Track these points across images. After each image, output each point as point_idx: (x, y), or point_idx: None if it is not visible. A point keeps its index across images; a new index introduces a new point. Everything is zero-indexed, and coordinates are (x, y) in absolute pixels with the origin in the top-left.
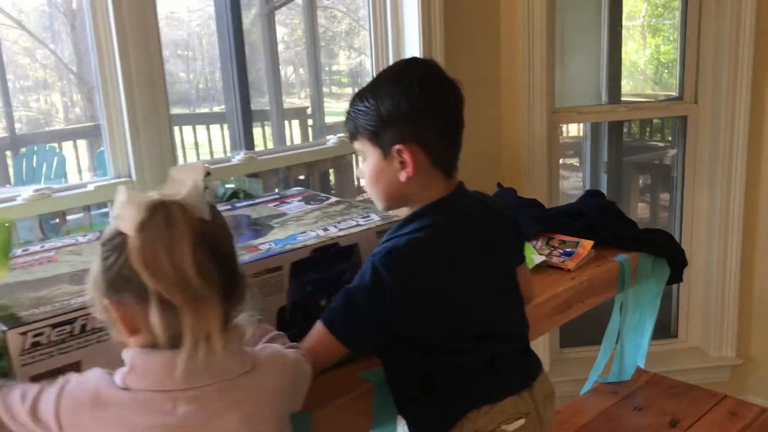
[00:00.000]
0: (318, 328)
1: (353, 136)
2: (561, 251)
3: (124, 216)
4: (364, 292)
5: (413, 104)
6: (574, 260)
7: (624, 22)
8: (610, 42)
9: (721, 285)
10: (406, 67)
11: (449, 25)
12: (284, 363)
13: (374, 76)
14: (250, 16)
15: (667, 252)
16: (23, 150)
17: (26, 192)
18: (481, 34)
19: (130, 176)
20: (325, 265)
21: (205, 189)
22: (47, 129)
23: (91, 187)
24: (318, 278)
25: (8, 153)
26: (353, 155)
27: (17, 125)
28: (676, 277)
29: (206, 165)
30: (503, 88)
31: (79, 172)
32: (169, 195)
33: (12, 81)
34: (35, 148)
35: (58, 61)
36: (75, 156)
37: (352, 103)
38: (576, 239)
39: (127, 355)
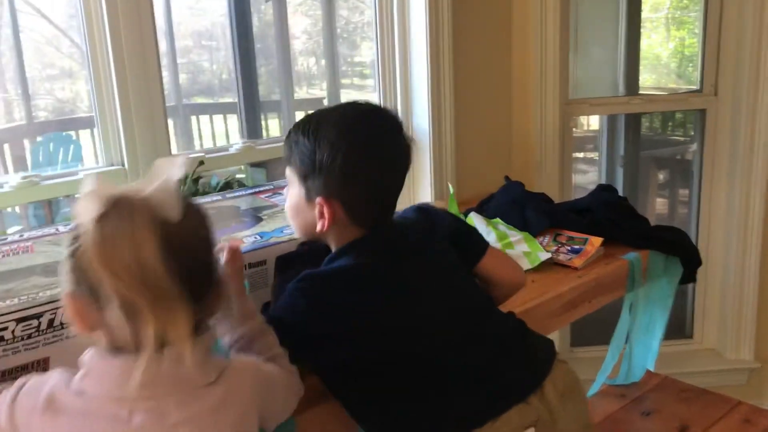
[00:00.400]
0: None
1: (287, 162)
2: (568, 248)
3: (82, 207)
4: (281, 313)
5: (349, 163)
6: (581, 258)
7: (647, 14)
8: (629, 32)
9: (739, 284)
10: (358, 118)
11: (458, 10)
12: (254, 374)
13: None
14: (270, 8)
15: (680, 250)
16: (39, 138)
17: (14, 179)
18: (491, 22)
19: (122, 165)
20: (312, 259)
21: (184, 183)
22: (64, 117)
23: (80, 175)
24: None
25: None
26: None
27: (43, 113)
28: (689, 277)
29: (189, 157)
30: (514, 77)
31: (96, 160)
32: (135, 190)
33: (39, 70)
34: (52, 136)
35: (82, 50)
36: (92, 144)
37: (294, 131)
38: (584, 236)
39: (86, 356)
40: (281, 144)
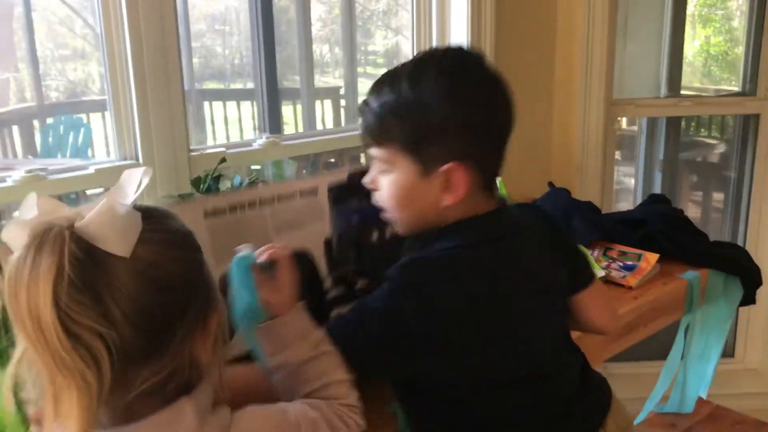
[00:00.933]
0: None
1: (375, 140)
2: (620, 264)
3: (8, 236)
4: (378, 309)
5: (476, 111)
6: (636, 276)
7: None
8: (674, 29)
9: None
10: (462, 62)
11: (501, 6)
12: (267, 425)
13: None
14: None
15: (741, 269)
16: (50, 120)
17: (18, 173)
18: (536, 15)
19: (136, 159)
20: (366, 192)
21: (204, 182)
22: (75, 100)
23: (91, 170)
24: (361, 207)
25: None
26: None
27: (54, 94)
28: (749, 298)
29: (150, 170)
30: (557, 74)
31: (107, 144)
32: (70, 218)
33: (51, 50)
34: (62, 119)
35: (96, 31)
36: (103, 128)
37: (378, 97)
38: (638, 251)
39: None
40: (308, 140)
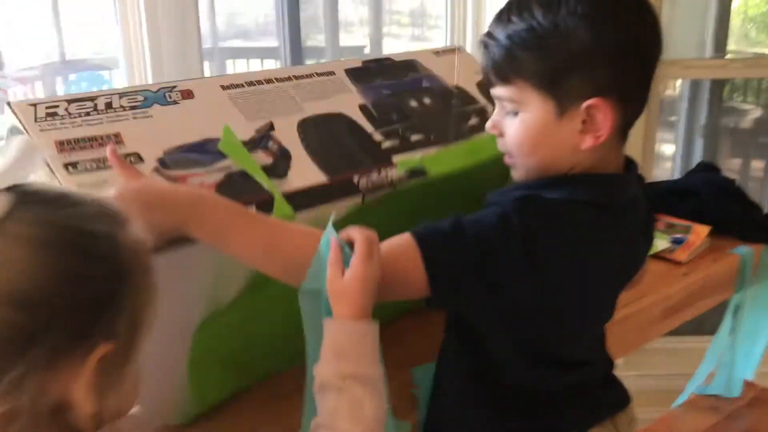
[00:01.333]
0: (405, 238)
1: (503, 77)
2: (669, 237)
3: None
4: (481, 229)
5: (623, 36)
6: (685, 250)
7: None
8: None
9: None
10: None
11: None
12: None
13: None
14: None
15: None
16: (72, 77)
17: None
18: None
19: None
20: (388, 73)
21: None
22: (97, 56)
23: None
24: (391, 83)
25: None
26: None
27: (77, 51)
28: None
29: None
30: None
31: None
32: None
33: (74, 6)
34: (85, 75)
35: None
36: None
37: (504, 23)
38: (687, 223)
39: None
40: None
